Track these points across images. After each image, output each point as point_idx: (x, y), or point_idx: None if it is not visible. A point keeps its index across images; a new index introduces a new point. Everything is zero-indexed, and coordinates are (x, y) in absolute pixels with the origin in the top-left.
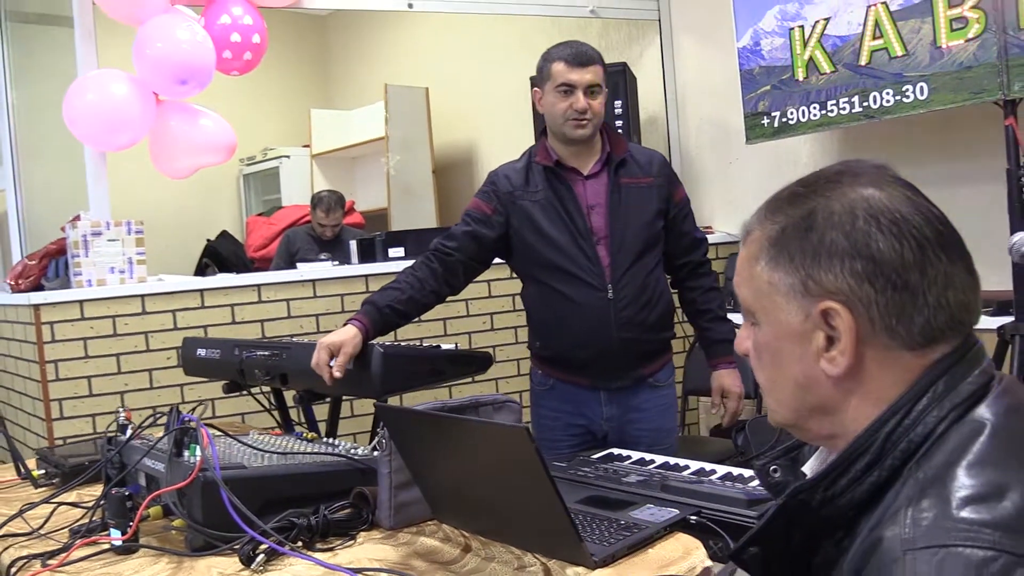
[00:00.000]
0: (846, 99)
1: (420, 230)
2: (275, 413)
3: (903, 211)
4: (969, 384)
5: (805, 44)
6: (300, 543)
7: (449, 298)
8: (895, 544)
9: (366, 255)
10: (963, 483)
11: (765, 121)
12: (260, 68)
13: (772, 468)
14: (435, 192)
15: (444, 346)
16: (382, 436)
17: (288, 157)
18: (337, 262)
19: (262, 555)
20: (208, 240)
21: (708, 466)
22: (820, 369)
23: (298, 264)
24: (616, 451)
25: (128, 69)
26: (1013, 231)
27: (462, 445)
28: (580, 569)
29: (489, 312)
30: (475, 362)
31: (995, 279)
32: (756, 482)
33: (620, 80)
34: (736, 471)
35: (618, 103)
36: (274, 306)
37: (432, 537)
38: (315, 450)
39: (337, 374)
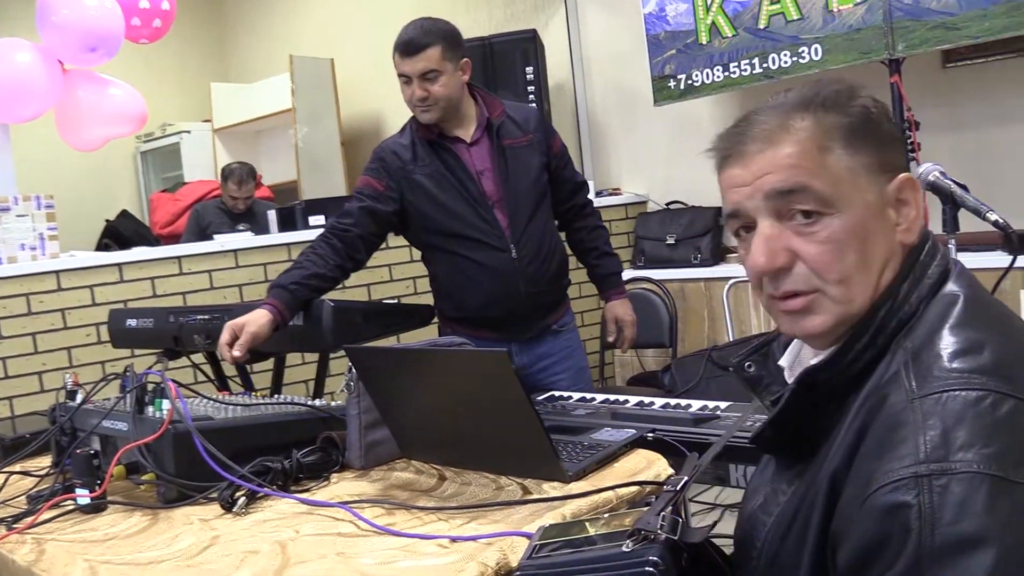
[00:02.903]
0: (747, 61)
1: (339, 197)
2: (225, 379)
3: None
4: (937, 266)
5: (708, 9)
6: (275, 487)
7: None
8: (901, 397)
9: (286, 224)
10: (949, 341)
11: (672, 84)
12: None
13: (747, 364)
14: (344, 163)
15: (385, 300)
16: (350, 379)
17: (189, 132)
18: (253, 234)
19: (243, 498)
20: (107, 220)
21: (647, 399)
22: (897, 242)
23: (214, 237)
24: (557, 393)
25: (32, 38)
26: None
27: (439, 377)
28: (556, 484)
29: (412, 276)
30: (419, 314)
31: None
32: (695, 407)
33: (530, 47)
34: (673, 401)
35: (529, 69)
36: (196, 278)
37: (405, 471)
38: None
39: (237, 354)
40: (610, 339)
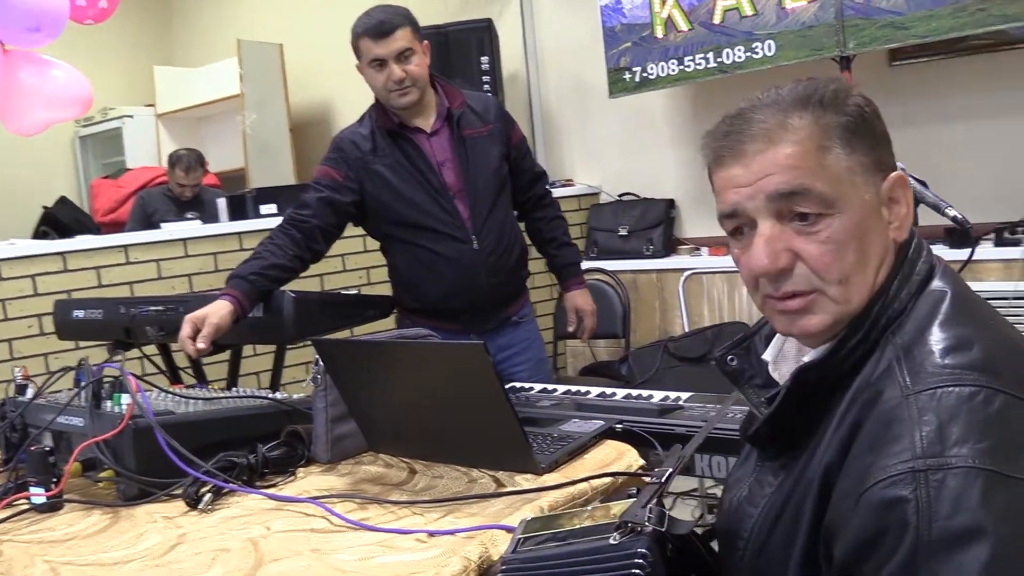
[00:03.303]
0: (702, 55)
1: (291, 186)
2: (178, 372)
3: None
4: (924, 263)
5: (664, 3)
6: (241, 482)
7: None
8: (896, 393)
9: (236, 213)
10: (940, 337)
11: (627, 76)
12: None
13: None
14: (293, 150)
15: (345, 291)
16: (317, 372)
17: (131, 117)
18: (202, 222)
19: (209, 494)
20: (45, 207)
21: (608, 390)
22: (891, 240)
23: (161, 225)
24: (518, 384)
25: None
26: None
27: (411, 369)
28: (528, 476)
29: (365, 267)
30: (378, 305)
31: None
32: (656, 398)
33: (485, 36)
34: (634, 392)
35: (484, 59)
36: (143, 267)
37: (373, 465)
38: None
39: (201, 346)
40: (570, 329)
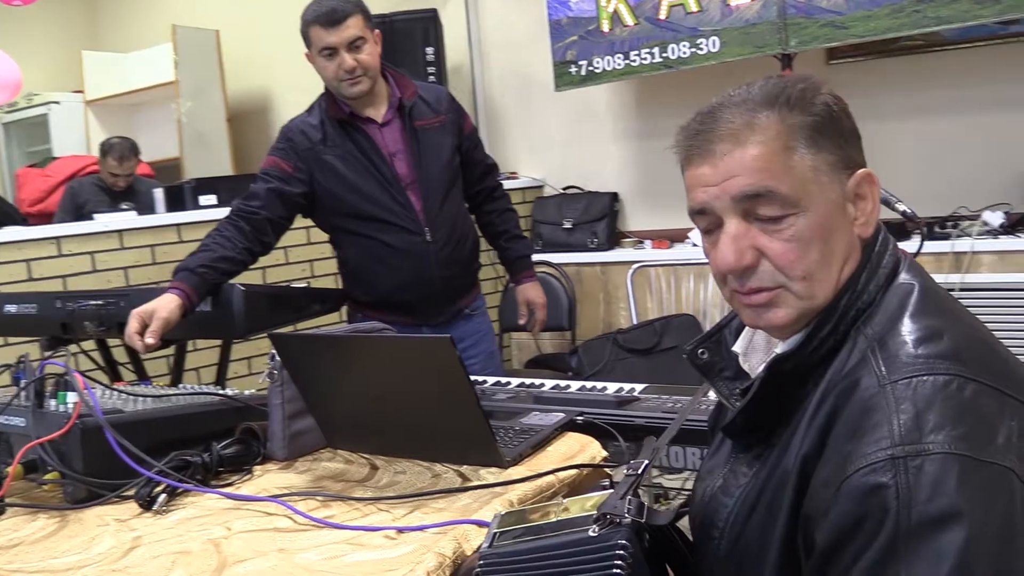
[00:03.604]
0: (647, 50)
1: (232, 176)
2: (116, 368)
3: None
4: (890, 256)
5: None
6: (196, 481)
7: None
8: (872, 382)
9: (174, 204)
10: (911, 328)
11: (573, 69)
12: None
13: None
14: (230, 140)
15: (294, 285)
16: (273, 367)
17: (58, 103)
18: (138, 214)
19: (164, 495)
20: None
21: (562, 382)
22: (856, 236)
23: (94, 216)
24: (472, 377)
25: None
26: None
27: (373, 364)
28: (493, 469)
29: (308, 259)
30: (329, 298)
31: None
32: (611, 390)
33: (430, 26)
34: (588, 384)
35: (429, 50)
36: (77, 260)
37: (332, 462)
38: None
39: (150, 341)
40: (521, 321)
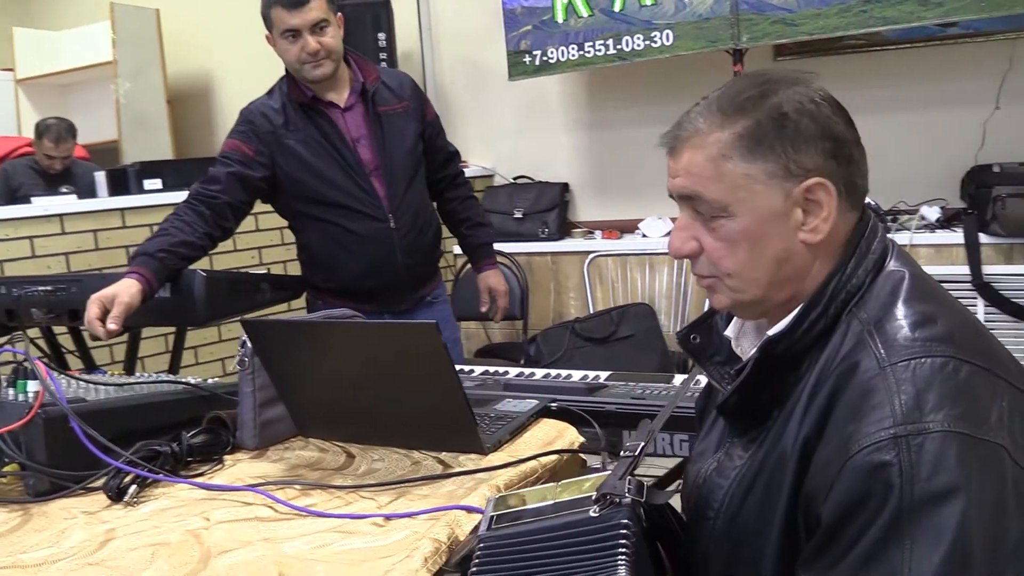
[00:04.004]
0: (601, 42)
1: (179, 160)
2: (63, 356)
3: (834, 99)
4: (879, 243)
5: None
6: (166, 471)
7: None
8: (872, 364)
9: (117, 188)
10: (906, 313)
11: (527, 59)
12: None
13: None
14: (170, 122)
15: (252, 271)
16: (244, 354)
17: None
18: (77, 197)
19: (134, 486)
20: None
21: (526, 370)
22: (799, 241)
23: (32, 200)
24: None
25: None
26: None
27: (351, 351)
28: (472, 456)
29: (257, 246)
30: (289, 286)
31: None
32: (576, 377)
33: (382, 12)
34: (552, 372)
35: (381, 36)
36: (15, 245)
37: (306, 450)
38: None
39: (113, 327)
40: (483, 309)
